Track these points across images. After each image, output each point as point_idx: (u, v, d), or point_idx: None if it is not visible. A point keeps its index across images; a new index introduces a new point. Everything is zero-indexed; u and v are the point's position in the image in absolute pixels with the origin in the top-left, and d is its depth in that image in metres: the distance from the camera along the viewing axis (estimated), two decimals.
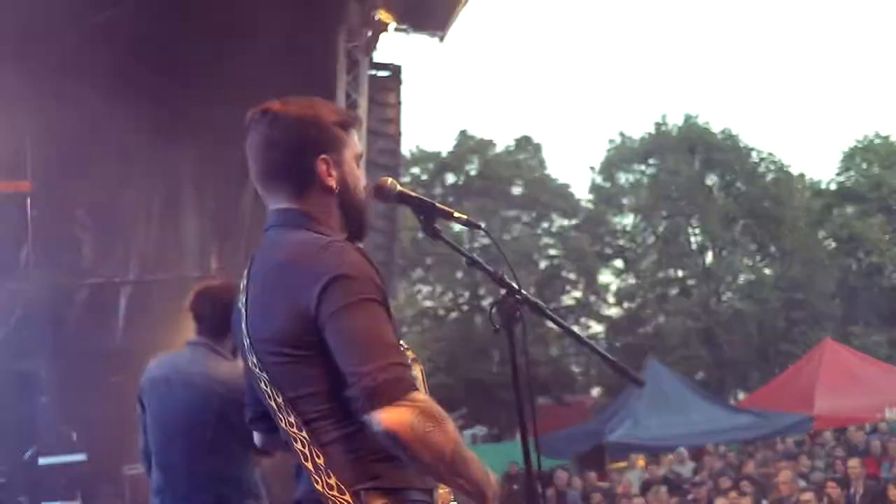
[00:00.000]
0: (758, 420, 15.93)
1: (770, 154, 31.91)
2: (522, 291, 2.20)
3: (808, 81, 62.51)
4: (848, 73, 62.75)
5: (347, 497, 1.95)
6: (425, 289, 30.69)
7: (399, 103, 11.24)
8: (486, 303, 27.14)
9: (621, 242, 32.12)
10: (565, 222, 31.87)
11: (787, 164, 32.11)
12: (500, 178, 30.56)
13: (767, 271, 30.88)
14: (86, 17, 8.01)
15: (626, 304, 30.95)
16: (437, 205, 2.26)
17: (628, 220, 32.36)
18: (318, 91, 9.32)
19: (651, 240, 31.35)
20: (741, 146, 31.60)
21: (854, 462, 11.15)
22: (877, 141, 32.71)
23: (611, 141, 32.83)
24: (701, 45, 67.04)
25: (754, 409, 16.84)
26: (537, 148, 32.20)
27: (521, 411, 2.17)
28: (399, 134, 11.38)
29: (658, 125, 32.11)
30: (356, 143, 2.21)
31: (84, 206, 9.36)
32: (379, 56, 10.74)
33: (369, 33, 10.15)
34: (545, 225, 31.75)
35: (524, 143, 32.15)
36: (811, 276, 28.88)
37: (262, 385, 2.08)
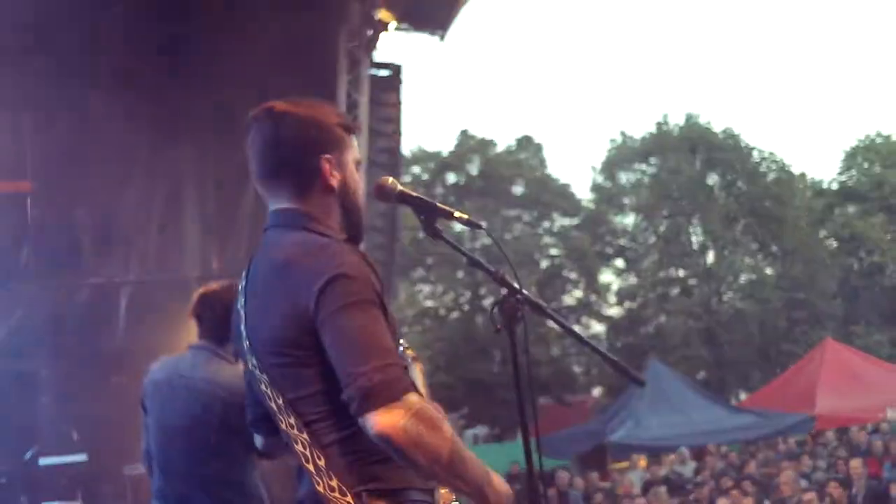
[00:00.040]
0: (759, 420, 15.92)
1: (771, 153, 31.91)
2: (523, 291, 2.19)
3: (810, 81, 62.49)
4: (849, 72, 62.75)
5: (349, 498, 1.95)
6: (426, 288, 30.69)
7: (399, 103, 11.25)
8: (487, 302, 27.14)
9: (622, 242, 32.11)
10: (566, 222, 31.85)
11: (788, 163, 32.14)
12: (501, 177, 30.55)
13: (769, 271, 30.87)
14: (86, 16, 8.00)
15: (627, 304, 30.93)
16: (438, 205, 2.25)
17: (629, 220, 32.36)
18: (319, 90, 9.39)
19: (652, 239, 31.33)
20: (742, 146, 31.58)
21: (856, 462, 11.13)
22: (878, 140, 32.69)
23: (612, 140, 32.83)
24: (702, 45, 67.09)
25: (756, 409, 16.83)
26: (538, 147, 32.20)
27: (523, 411, 2.16)
28: (399, 133, 11.38)
29: (659, 125, 32.10)
30: (356, 148, 2.22)
31: (84, 207, 9.35)
32: (379, 56, 10.74)
33: (370, 33, 10.14)
34: (546, 224, 31.73)
35: (525, 142, 32.14)
36: (813, 276, 28.87)
37: (263, 386, 2.07)
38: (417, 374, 2.65)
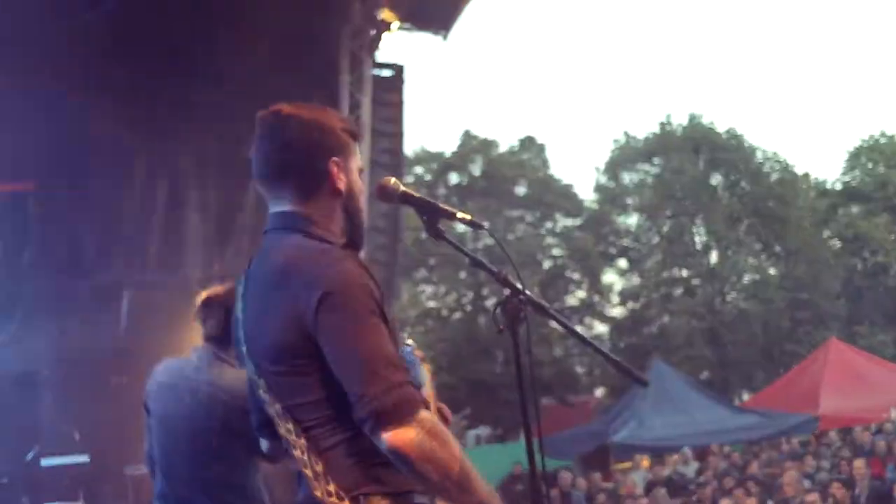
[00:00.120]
0: (762, 420, 15.89)
1: (775, 154, 31.86)
2: (526, 292, 2.19)
3: (813, 81, 62.49)
4: (853, 72, 62.68)
5: (347, 502, 1.95)
6: (429, 289, 30.68)
7: (402, 103, 11.24)
8: (489, 303, 27.13)
9: (625, 242, 32.08)
10: (569, 222, 31.82)
11: (792, 163, 32.06)
12: (504, 178, 30.53)
13: (772, 271, 30.82)
14: (86, 16, 8.00)
15: (630, 305, 30.90)
16: (441, 205, 2.25)
17: (632, 220, 32.32)
18: (321, 90, 9.40)
19: (655, 240, 31.29)
20: (746, 146, 31.54)
21: (859, 463, 11.11)
22: (882, 140, 32.63)
23: (615, 141, 32.79)
24: (705, 45, 67.06)
25: (759, 410, 16.80)
26: (541, 148, 32.16)
27: (525, 412, 2.16)
28: (402, 134, 11.37)
29: (663, 125, 32.06)
30: (359, 155, 2.23)
31: (86, 207, 9.35)
32: (382, 56, 10.74)
33: (372, 33, 10.14)
34: (549, 225, 31.70)
35: (528, 142, 32.11)
36: (816, 276, 28.83)
37: (261, 392, 2.08)
38: (425, 375, 2.64)
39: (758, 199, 30.29)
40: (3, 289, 9.19)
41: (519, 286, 2.18)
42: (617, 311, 31.39)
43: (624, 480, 14.47)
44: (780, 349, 28.35)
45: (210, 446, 3.64)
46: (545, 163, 32.12)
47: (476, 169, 31.17)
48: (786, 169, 31.63)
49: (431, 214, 2.23)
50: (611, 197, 32.00)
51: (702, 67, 67.38)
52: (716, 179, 31.56)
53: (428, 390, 2.52)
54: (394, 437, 1.85)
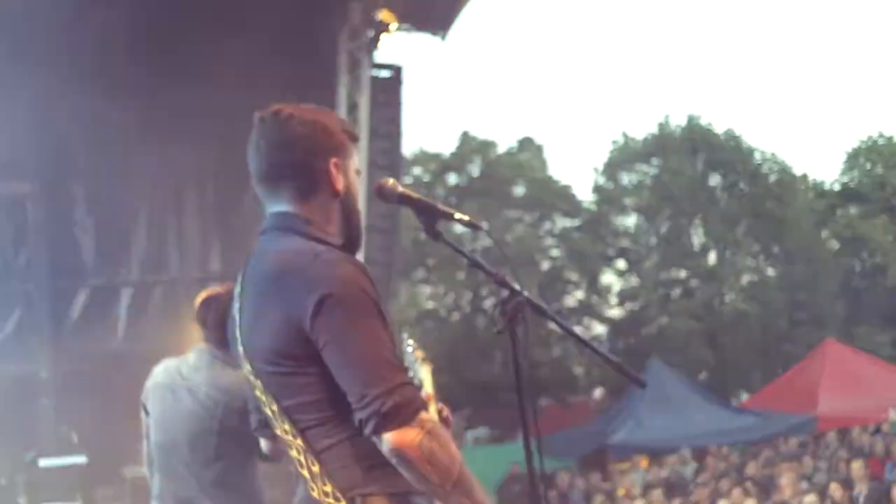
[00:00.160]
0: (761, 421, 15.90)
1: (773, 154, 31.84)
2: (524, 293, 2.19)
3: (812, 82, 62.49)
4: (851, 73, 62.70)
5: (343, 503, 1.95)
6: (427, 290, 30.67)
7: (400, 104, 11.24)
8: (488, 304, 27.13)
9: (624, 243, 32.06)
10: (567, 223, 31.80)
11: (790, 164, 32.05)
12: (502, 178, 30.52)
13: (771, 272, 30.83)
14: (85, 16, 8.00)
15: (628, 305, 30.89)
16: (439, 206, 2.25)
17: (631, 221, 32.30)
18: (320, 91, 9.40)
19: (654, 240, 31.28)
20: (744, 147, 31.53)
21: (857, 463, 11.11)
22: (881, 141, 32.64)
23: (614, 142, 32.77)
24: (704, 46, 67.09)
25: (757, 410, 16.81)
26: (539, 149, 32.14)
27: (524, 413, 2.16)
28: (400, 134, 11.37)
29: (661, 126, 32.05)
30: (356, 158, 2.24)
31: (84, 207, 9.35)
32: (380, 56, 10.74)
33: (371, 33, 10.14)
34: (547, 226, 31.68)
35: (526, 143, 32.10)
36: (814, 277, 28.84)
37: (257, 392, 2.08)
38: (426, 375, 2.64)
39: (756, 199, 30.28)
40: (2, 289, 9.18)
41: (517, 287, 2.18)
42: (615, 312, 31.39)
43: (622, 481, 14.48)
44: (778, 350, 28.35)
45: (209, 446, 3.65)
46: (543, 164, 32.10)
47: (474, 170, 31.16)
48: (784, 170, 31.63)
49: (430, 215, 2.23)
50: (609, 198, 31.97)
51: (700, 68, 67.37)
52: (714, 180, 31.55)
53: (428, 390, 2.52)
54: (395, 438, 1.85)
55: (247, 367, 2.10)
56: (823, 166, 71.48)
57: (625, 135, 32.90)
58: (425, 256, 28.35)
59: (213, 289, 3.92)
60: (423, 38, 11.43)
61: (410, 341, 2.74)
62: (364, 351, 1.89)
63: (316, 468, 1.97)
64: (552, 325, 2.28)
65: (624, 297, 31.14)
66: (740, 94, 60.52)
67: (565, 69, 63.65)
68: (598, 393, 30.59)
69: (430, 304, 30.35)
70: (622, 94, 61.50)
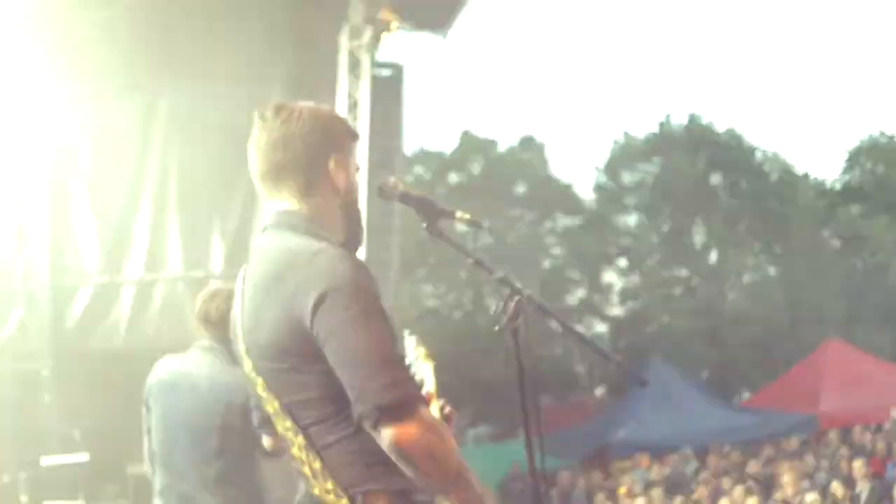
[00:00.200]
0: (762, 419, 15.89)
1: (775, 153, 31.82)
2: (526, 291, 2.19)
3: (813, 80, 62.43)
4: (853, 71, 62.66)
5: (345, 501, 1.96)
6: (429, 288, 30.66)
7: (401, 102, 11.24)
8: (489, 302, 27.11)
9: (625, 242, 32.03)
10: (569, 222, 31.78)
11: (791, 163, 32.03)
12: (504, 177, 30.49)
13: (772, 271, 30.80)
14: (84, 15, 8.01)
15: (629, 304, 30.88)
16: (440, 204, 2.26)
17: (632, 220, 32.28)
18: (321, 90, 9.42)
19: (655, 239, 31.25)
20: (746, 146, 31.50)
21: (858, 462, 11.11)
22: (882, 140, 32.59)
23: (615, 140, 32.75)
24: (705, 45, 67.00)
25: (759, 409, 16.81)
26: (541, 147, 32.11)
27: (526, 411, 2.16)
28: (401, 133, 11.37)
29: (662, 124, 32.03)
30: (356, 156, 2.24)
31: (86, 206, 9.35)
32: (381, 55, 10.74)
33: (372, 32, 10.13)
34: (548, 224, 31.66)
35: (527, 142, 32.08)
36: (816, 276, 28.80)
37: (259, 390, 2.08)
38: (429, 371, 2.65)
39: (758, 198, 30.24)
40: (3, 288, 9.19)
41: (518, 286, 2.19)
42: (616, 311, 31.37)
43: (623, 479, 14.48)
44: (779, 348, 28.30)
45: (211, 442, 3.66)
46: (545, 162, 32.08)
47: (476, 168, 31.14)
48: (786, 169, 31.60)
49: (431, 213, 2.24)
50: (610, 196, 31.95)
51: (701, 67, 67.35)
52: (716, 179, 31.52)
53: (431, 387, 2.53)
54: (395, 433, 1.85)
55: (248, 365, 2.10)
56: (825, 165, 71.44)
57: (626, 133, 32.88)
58: (427, 255, 28.33)
59: (216, 286, 3.94)
60: (425, 37, 11.45)
61: (413, 337, 2.74)
62: (364, 346, 1.89)
63: (317, 465, 1.97)
64: (553, 324, 2.29)
65: (625, 295, 31.12)
66: (742, 92, 60.50)
67: (566, 68, 63.63)
68: (599, 391, 30.58)
69: (431, 303, 30.34)
70: (623, 92, 61.52)
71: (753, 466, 13.12)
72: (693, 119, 31.69)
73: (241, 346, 2.13)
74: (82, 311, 9.44)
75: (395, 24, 10.23)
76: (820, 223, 31.12)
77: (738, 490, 11.06)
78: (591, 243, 30.21)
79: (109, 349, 9.13)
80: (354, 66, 9.97)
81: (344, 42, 9.85)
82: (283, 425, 2.02)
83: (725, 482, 11.93)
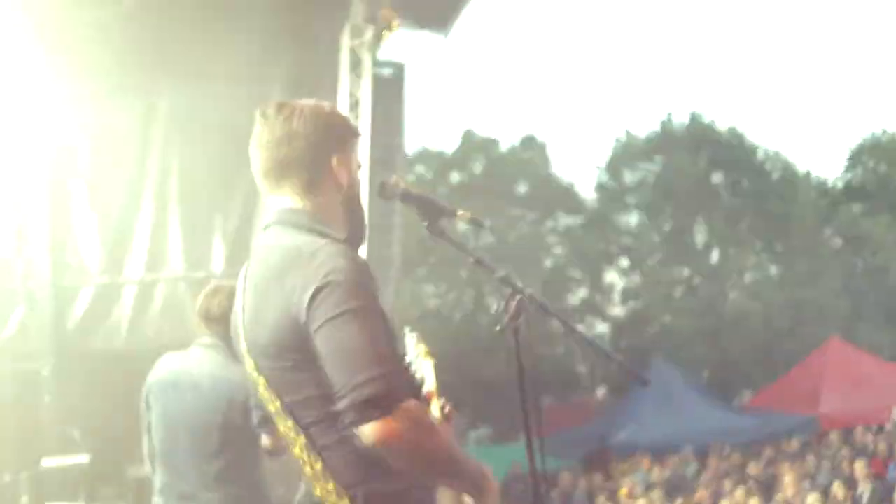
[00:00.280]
0: (763, 420, 15.89)
1: (776, 152, 31.81)
2: (527, 291, 2.18)
3: (815, 79, 62.39)
4: (855, 70, 62.62)
5: (346, 501, 1.95)
6: (430, 288, 30.66)
7: (402, 101, 11.23)
8: (490, 302, 27.10)
9: (627, 241, 32.03)
10: (570, 221, 31.78)
11: (793, 162, 32.02)
12: (505, 176, 30.50)
13: (773, 270, 30.79)
14: (84, 15, 8.01)
15: (631, 304, 30.87)
16: (441, 203, 2.26)
17: (634, 219, 32.28)
18: (322, 89, 9.40)
19: (656, 238, 31.25)
20: (747, 144, 31.50)
21: (860, 463, 11.10)
22: (884, 139, 32.58)
23: (616, 139, 32.74)
24: (707, 43, 66.99)
25: (760, 410, 16.80)
26: (542, 146, 32.12)
27: (526, 412, 2.15)
28: (402, 132, 11.36)
29: (664, 123, 32.02)
30: (358, 153, 2.24)
31: (86, 206, 9.35)
32: (383, 54, 10.73)
33: (373, 31, 10.12)
34: (550, 223, 31.67)
35: (529, 141, 32.08)
36: (817, 275, 28.79)
37: (260, 389, 2.08)
38: (429, 370, 2.64)
39: (759, 197, 30.23)
40: (4, 288, 9.18)
41: (520, 285, 2.18)
42: (618, 311, 31.36)
43: (624, 481, 14.47)
44: (780, 348, 28.29)
45: (212, 440, 3.66)
46: (546, 161, 32.08)
47: (477, 167, 31.14)
48: (787, 167, 31.58)
49: (432, 212, 2.24)
50: (612, 195, 31.95)
51: (703, 66, 67.33)
52: (717, 178, 31.51)
53: (431, 386, 2.51)
54: (374, 430, 1.82)
55: (250, 364, 2.09)
56: (827, 164, 71.34)
57: (628, 132, 32.87)
58: (428, 254, 28.32)
59: (217, 283, 3.94)
60: (426, 36, 11.44)
61: (413, 335, 2.72)
62: (353, 342, 1.87)
63: (318, 466, 1.97)
64: (555, 324, 2.28)
65: (627, 295, 31.12)
66: (743, 91, 60.52)
67: (568, 67, 63.63)
68: (600, 392, 30.58)
69: (432, 303, 30.34)
70: (625, 91, 61.51)
71: (754, 468, 13.11)
72: (695, 118, 31.68)
73: (242, 345, 2.13)
74: (83, 311, 9.43)
75: (396, 23, 10.22)
76: (822, 222, 31.11)
77: (739, 492, 11.05)
78: (592, 242, 30.21)
79: (110, 349, 9.12)
80: (356, 65, 9.96)
81: (345, 41, 9.84)
82: (285, 425, 2.02)
83: (726, 484, 11.91)
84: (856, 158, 32.66)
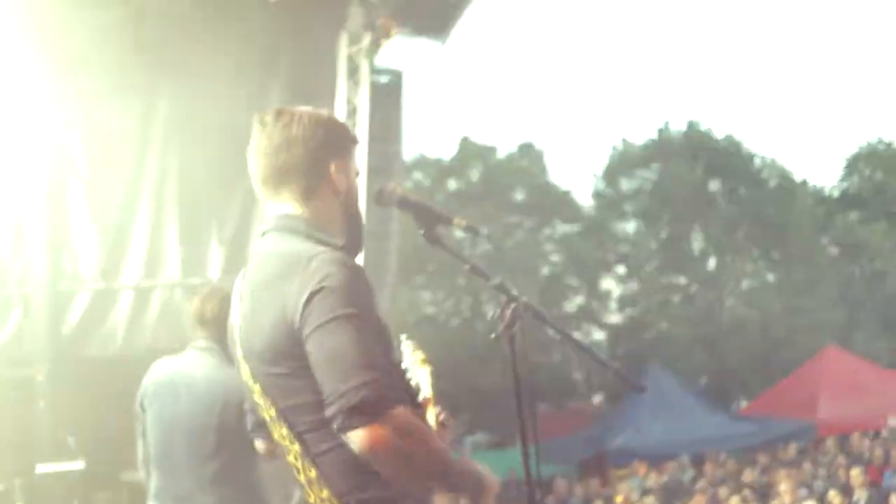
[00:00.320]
0: (760, 427, 15.90)
1: (773, 160, 31.89)
2: (523, 298, 2.18)
3: (812, 87, 62.56)
4: (851, 78, 62.78)
5: None
6: (427, 295, 30.64)
7: (400, 109, 11.23)
8: (487, 309, 27.08)
9: (624, 249, 32.05)
10: (567, 228, 31.80)
11: (790, 170, 32.09)
12: (502, 184, 30.52)
13: (770, 278, 30.82)
14: (84, 15, 8.01)
15: (628, 311, 30.88)
16: (438, 210, 2.26)
17: (631, 227, 32.31)
18: (320, 96, 9.41)
19: (653, 246, 31.28)
20: (744, 152, 31.57)
21: (856, 470, 11.10)
22: (881, 147, 32.67)
23: (613, 147, 32.80)
24: (704, 51, 67.15)
25: (756, 416, 16.81)
26: (539, 154, 32.15)
27: (521, 419, 2.15)
28: (400, 139, 11.36)
29: (661, 131, 32.08)
30: (356, 161, 2.24)
31: (85, 209, 9.33)
32: (380, 61, 10.73)
33: (371, 38, 10.13)
34: (547, 231, 31.68)
35: (526, 149, 32.11)
36: (814, 283, 28.82)
37: (255, 396, 2.07)
38: (426, 377, 2.63)
39: (756, 205, 30.29)
40: (1, 291, 9.16)
41: (516, 293, 2.18)
42: (615, 318, 31.37)
43: (620, 487, 14.45)
44: (777, 356, 28.31)
45: (207, 443, 3.66)
46: (543, 169, 32.10)
47: (474, 175, 31.16)
48: (784, 175, 31.65)
49: (428, 219, 2.24)
50: (609, 203, 31.99)
51: (700, 74, 67.50)
52: (714, 186, 31.56)
53: (427, 392, 2.51)
54: (363, 437, 1.81)
55: (245, 371, 2.09)
56: (823, 172, 71.55)
57: (625, 140, 32.94)
58: (425, 261, 28.31)
59: (213, 288, 3.95)
60: (424, 43, 11.44)
61: (410, 342, 2.72)
62: (343, 347, 1.86)
63: (313, 473, 1.96)
64: (551, 331, 2.28)
65: (623, 302, 31.13)
66: (740, 99, 60.64)
67: (565, 75, 63.74)
68: (597, 399, 30.56)
69: (429, 310, 30.32)
70: (622, 99, 61.62)
71: (750, 475, 13.11)
72: (692, 126, 31.74)
73: (238, 351, 2.12)
74: (79, 316, 9.40)
75: (394, 31, 10.23)
76: (818, 230, 31.16)
77: (735, 499, 11.05)
78: (589, 250, 30.22)
79: (106, 355, 9.09)
80: (353, 71, 9.97)
81: (343, 48, 9.84)
82: (280, 433, 2.01)
83: (722, 491, 11.90)
84: (852, 166, 32.74)
